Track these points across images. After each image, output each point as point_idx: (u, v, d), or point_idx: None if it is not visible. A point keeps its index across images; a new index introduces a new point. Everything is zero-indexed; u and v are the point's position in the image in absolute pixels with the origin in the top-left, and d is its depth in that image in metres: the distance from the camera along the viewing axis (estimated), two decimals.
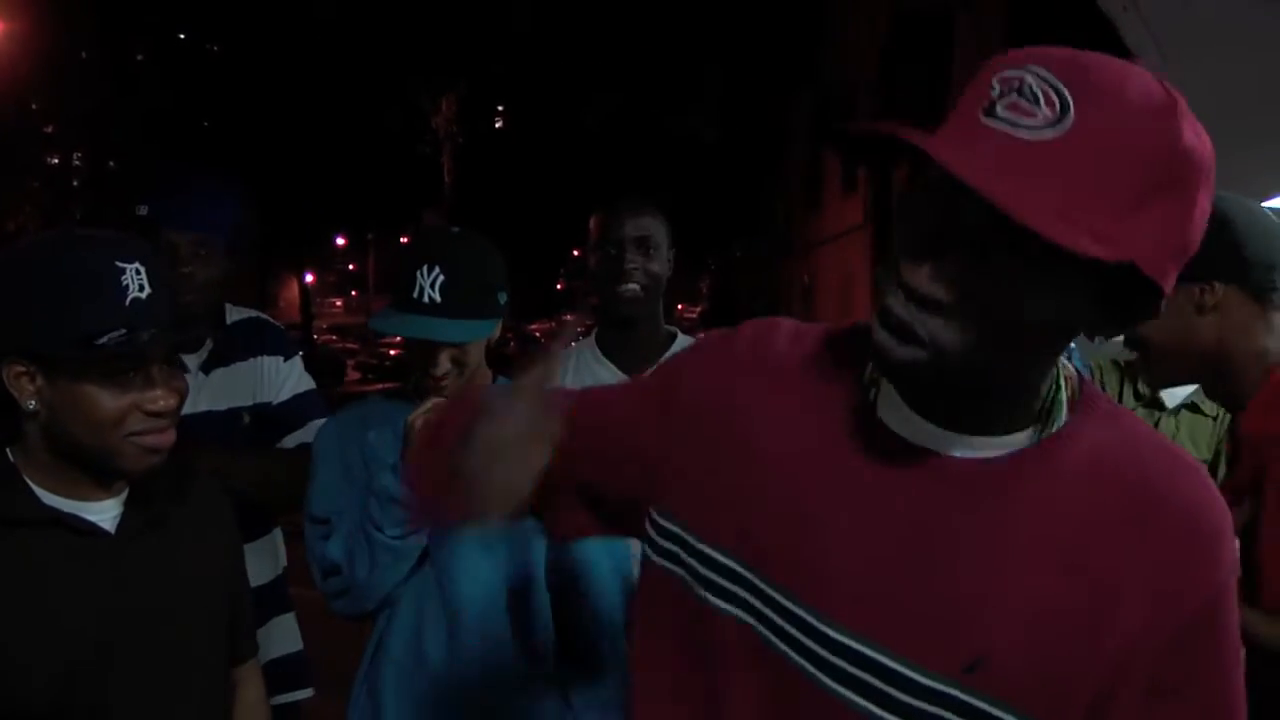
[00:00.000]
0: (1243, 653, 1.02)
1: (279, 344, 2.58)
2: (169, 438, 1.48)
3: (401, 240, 30.53)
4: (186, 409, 2.37)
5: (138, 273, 1.44)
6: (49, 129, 23.99)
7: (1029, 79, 0.87)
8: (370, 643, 2.04)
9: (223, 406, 2.42)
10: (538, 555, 1.98)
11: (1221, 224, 1.65)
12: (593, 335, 2.56)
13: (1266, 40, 3.52)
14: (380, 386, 15.30)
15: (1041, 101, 0.86)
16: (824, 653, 1.00)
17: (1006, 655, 0.95)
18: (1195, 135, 0.88)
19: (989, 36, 9.85)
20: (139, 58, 22.32)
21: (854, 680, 0.99)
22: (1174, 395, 2.92)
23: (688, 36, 20.55)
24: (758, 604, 1.04)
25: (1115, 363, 3.08)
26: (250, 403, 2.47)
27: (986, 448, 1.00)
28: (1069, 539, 0.96)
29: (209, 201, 2.35)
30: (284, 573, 2.53)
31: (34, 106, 22.33)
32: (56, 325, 1.38)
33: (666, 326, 2.54)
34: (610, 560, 1.99)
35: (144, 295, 1.43)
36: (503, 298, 1.99)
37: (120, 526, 1.49)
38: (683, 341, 2.49)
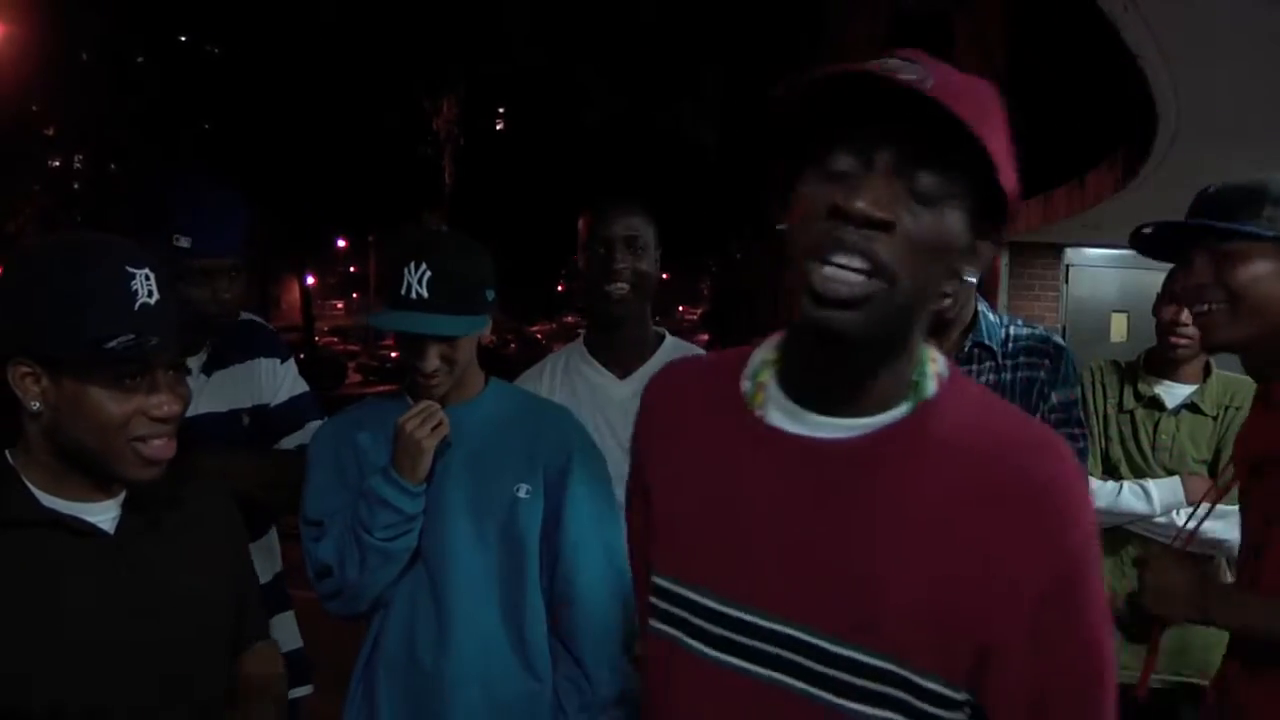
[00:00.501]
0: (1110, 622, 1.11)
1: (274, 346, 2.61)
2: (169, 449, 1.49)
3: None
4: (189, 410, 2.40)
5: (147, 278, 1.45)
6: (50, 131, 24.00)
7: (888, 61, 1.01)
8: (366, 642, 2.06)
9: (223, 408, 2.45)
10: (532, 556, 1.99)
11: None
12: (580, 337, 2.57)
13: (1268, 40, 3.51)
14: (381, 388, 15.30)
15: (905, 71, 0.99)
16: (738, 637, 1.13)
17: (896, 617, 1.06)
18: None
19: (987, 37, 9.84)
20: (140, 60, 22.32)
21: (774, 658, 1.11)
22: (1174, 396, 2.92)
23: (686, 38, 20.53)
24: (687, 615, 1.18)
25: (1115, 363, 3.09)
26: (249, 404, 2.49)
27: (861, 428, 1.10)
28: (937, 510, 1.07)
29: (237, 223, 2.39)
30: (282, 571, 2.54)
31: (35, 109, 22.35)
32: (66, 327, 1.39)
33: (655, 328, 2.54)
34: (606, 562, 2.00)
35: (152, 301, 1.45)
36: (490, 295, 2.01)
37: (119, 527, 1.50)
38: (671, 344, 2.49)
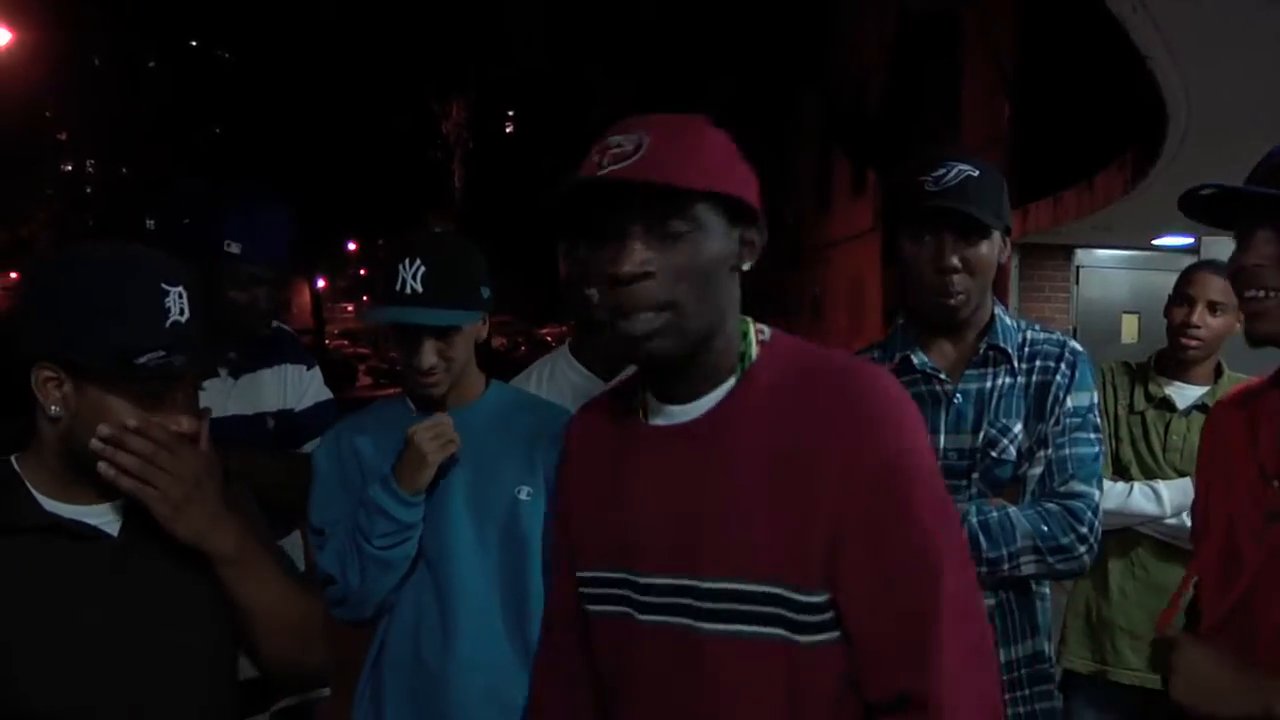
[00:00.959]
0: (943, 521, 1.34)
1: (300, 353, 2.68)
2: None
3: None
4: (218, 412, 2.43)
5: (180, 296, 1.47)
6: (62, 136, 24.09)
7: (611, 142, 1.32)
8: (373, 644, 2.07)
9: (249, 411, 2.50)
10: (534, 557, 1.99)
11: None
12: (566, 342, 2.60)
13: (1277, 40, 3.50)
14: (391, 391, 15.32)
15: (626, 144, 1.30)
16: (650, 598, 1.39)
17: (761, 545, 1.32)
18: (714, 127, 1.37)
19: (997, 37, 9.83)
20: (151, 64, 22.39)
21: (672, 607, 1.37)
22: (1185, 397, 2.92)
23: (695, 40, 20.53)
24: (614, 592, 1.44)
25: (1125, 364, 3.09)
26: (274, 409, 2.55)
27: (704, 406, 1.39)
28: (774, 444, 1.33)
29: (285, 237, 2.48)
30: (306, 573, 2.56)
31: (47, 114, 22.44)
32: (97, 337, 1.40)
33: None
34: None
35: (183, 319, 1.46)
36: (486, 293, 2.03)
37: (123, 530, 1.50)
38: None
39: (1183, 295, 2.91)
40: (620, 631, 1.43)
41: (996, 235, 2.06)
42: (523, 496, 1.99)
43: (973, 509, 1.98)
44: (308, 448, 2.50)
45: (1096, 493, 2.03)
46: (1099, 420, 2.10)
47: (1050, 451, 2.03)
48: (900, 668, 1.30)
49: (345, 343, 36.65)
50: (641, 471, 1.43)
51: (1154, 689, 2.14)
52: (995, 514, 1.97)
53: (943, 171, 2.03)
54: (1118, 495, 2.79)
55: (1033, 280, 8.80)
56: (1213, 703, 1.52)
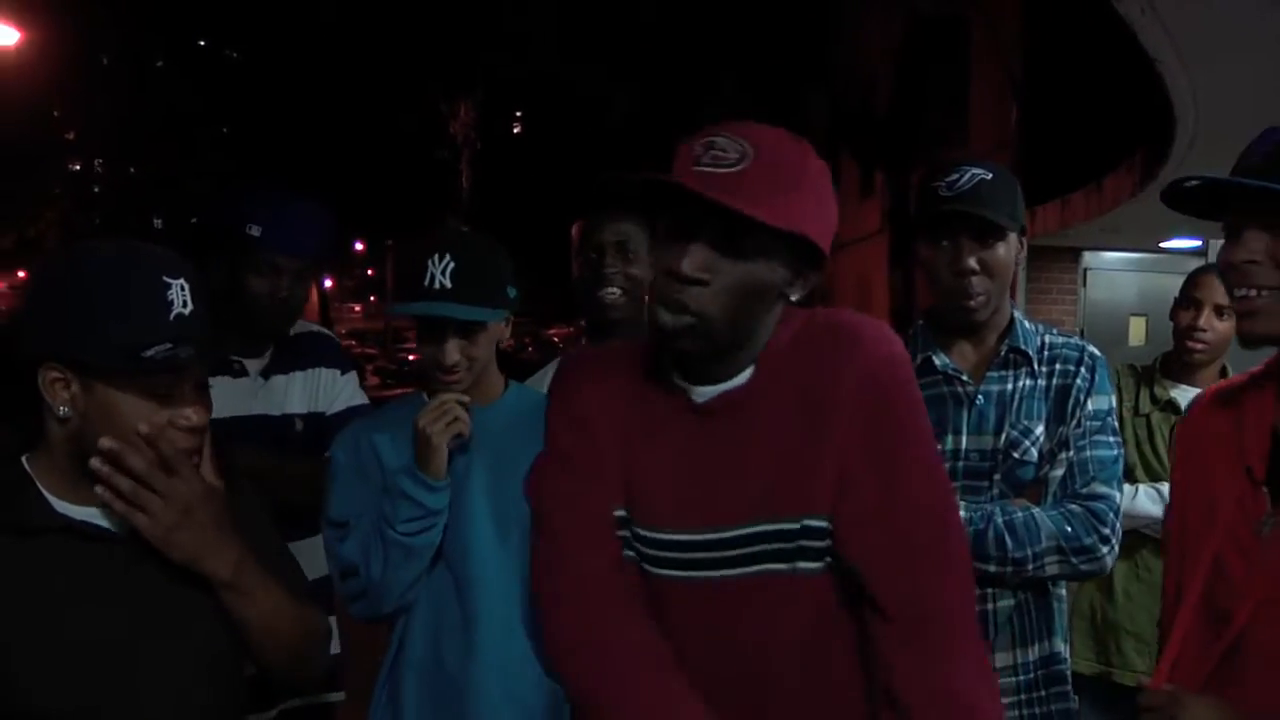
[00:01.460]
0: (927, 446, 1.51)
1: (337, 357, 2.69)
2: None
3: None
4: (242, 411, 2.44)
5: (182, 288, 1.47)
6: (70, 135, 24.12)
7: (719, 139, 1.38)
8: (390, 645, 2.06)
9: (277, 412, 2.51)
10: None
11: None
12: (581, 340, 2.60)
13: None
14: (399, 391, 15.33)
15: (730, 150, 1.37)
16: (668, 554, 1.52)
17: (780, 487, 1.46)
18: (817, 157, 1.45)
19: (1004, 39, 9.82)
20: (159, 64, 22.41)
21: (688, 562, 1.51)
22: (1190, 400, 2.91)
23: (700, 41, 20.51)
24: (643, 549, 1.55)
25: (1131, 367, 3.09)
26: (305, 411, 2.56)
27: (727, 387, 1.49)
28: (787, 409, 1.47)
29: (314, 225, 2.47)
30: (326, 577, 2.56)
31: (55, 113, 22.46)
32: (102, 335, 1.40)
33: None
34: None
35: (187, 312, 1.46)
36: (512, 293, 2.03)
37: (133, 531, 1.49)
38: None
39: (1189, 298, 2.90)
40: (651, 583, 1.55)
41: (1012, 237, 2.08)
42: None
43: (998, 509, 2.00)
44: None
45: (1118, 495, 2.06)
46: (1117, 424, 2.12)
47: (1071, 454, 2.05)
48: (912, 580, 1.45)
49: (353, 343, 36.62)
50: (669, 427, 1.53)
51: None
52: (1020, 514, 1.99)
53: (956, 176, 2.04)
54: (1123, 497, 2.79)
55: (1040, 282, 8.80)
56: None
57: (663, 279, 1.41)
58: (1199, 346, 2.88)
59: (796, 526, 1.46)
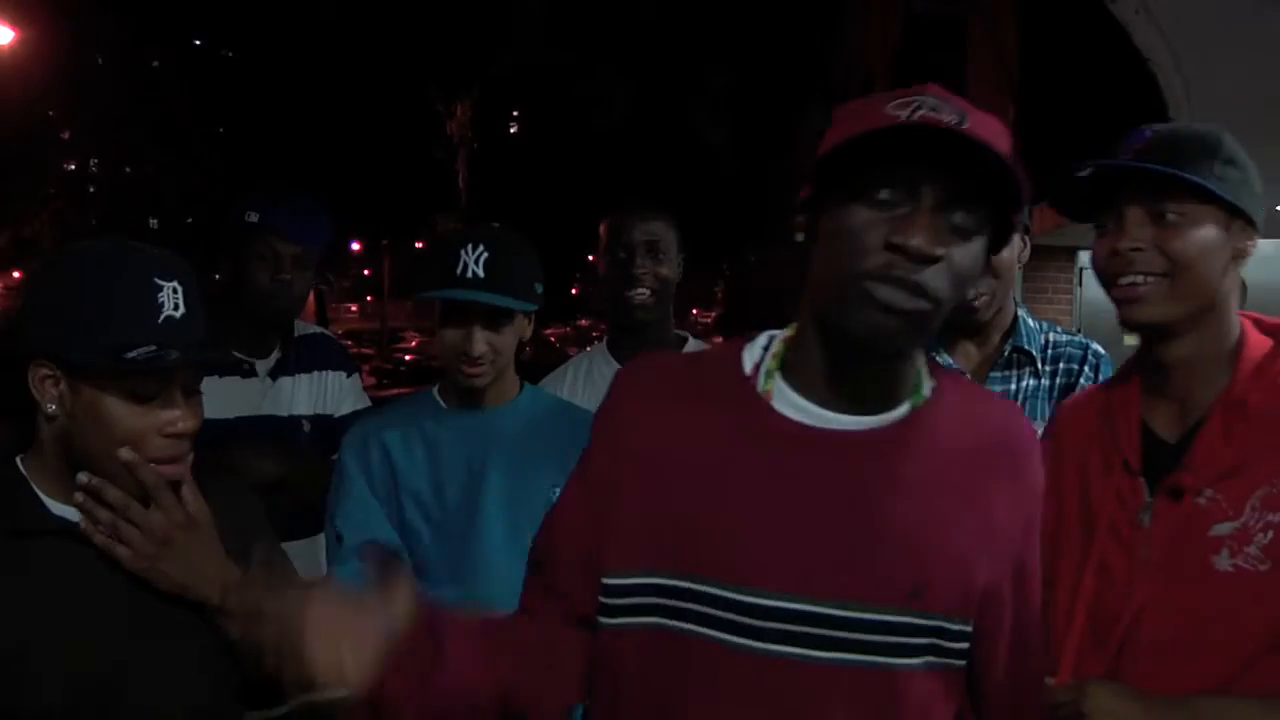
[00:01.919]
0: None
1: (343, 361, 2.73)
2: (177, 471, 1.48)
3: (417, 245, 30.68)
4: (250, 411, 2.46)
5: (175, 291, 1.46)
6: (65, 135, 24.06)
7: (926, 101, 1.13)
8: None
9: (283, 413, 2.53)
10: None
11: None
12: (604, 340, 2.58)
13: (1277, 43, 3.51)
14: (396, 391, 15.31)
15: (944, 112, 1.11)
16: (777, 625, 1.18)
17: (937, 577, 1.21)
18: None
19: (1002, 39, 9.82)
20: (155, 64, 22.37)
21: (813, 638, 1.18)
22: None
23: (697, 38, 20.52)
24: (716, 611, 1.21)
25: None
26: (312, 413, 2.58)
27: (874, 423, 1.23)
28: (953, 482, 1.23)
29: (312, 217, 2.52)
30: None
31: (50, 113, 22.40)
32: (88, 333, 1.39)
33: (677, 331, 2.54)
34: None
35: (178, 314, 1.45)
36: (539, 288, 2.04)
37: None
38: (693, 346, 2.50)
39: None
40: (678, 649, 1.23)
41: (1015, 237, 2.07)
42: (555, 495, 1.99)
43: None
44: None
45: None
46: None
47: None
48: (1018, 701, 1.33)
49: (350, 343, 36.56)
50: (771, 463, 1.22)
51: None
52: None
53: None
54: None
55: (1036, 282, 8.79)
56: None
57: (884, 255, 1.13)
58: None
59: (934, 624, 1.21)
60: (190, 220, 21.56)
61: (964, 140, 1.09)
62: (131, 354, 1.39)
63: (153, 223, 22.00)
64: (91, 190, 25.70)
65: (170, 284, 1.45)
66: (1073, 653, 1.54)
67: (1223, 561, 1.43)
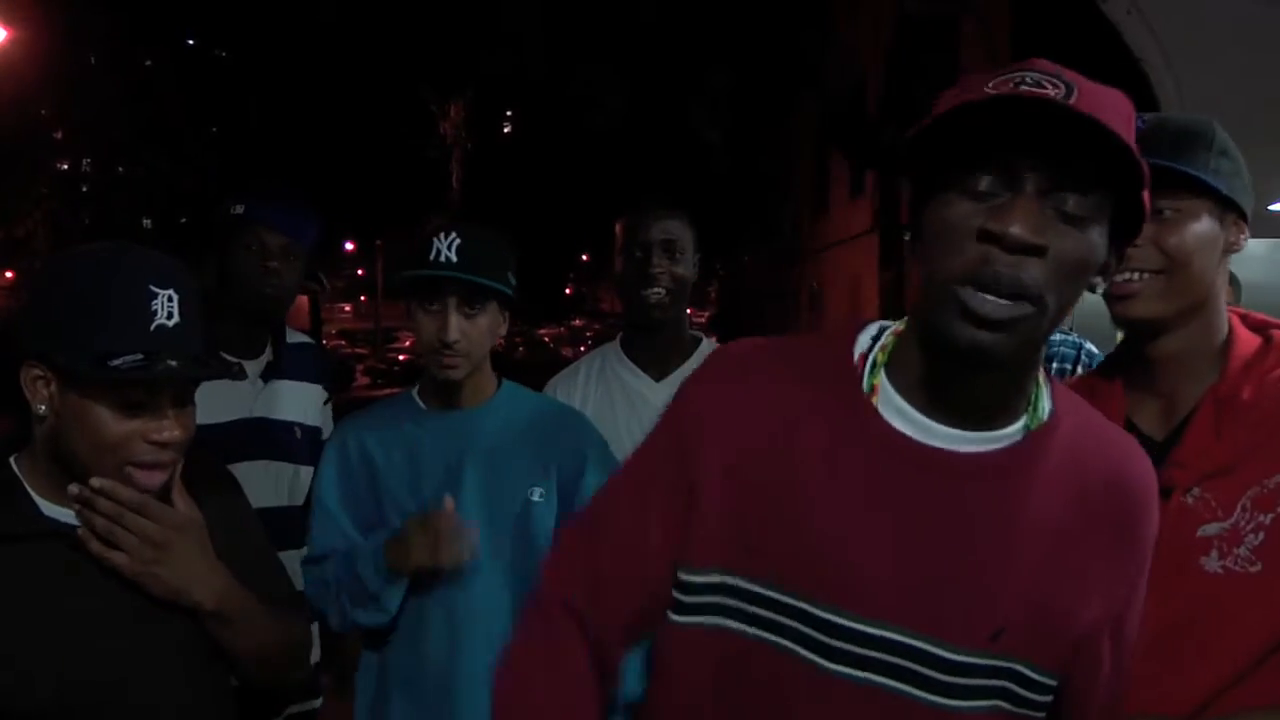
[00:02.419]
0: None
1: (321, 375, 2.70)
2: (160, 479, 1.46)
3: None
4: (243, 414, 2.44)
5: (169, 299, 1.43)
6: (58, 134, 24.04)
7: (1028, 75, 1.00)
8: (376, 646, 2.05)
9: (277, 416, 2.52)
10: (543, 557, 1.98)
11: None
12: (618, 338, 2.56)
13: (1270, 42, 3.52)
14: (389, 391, 15.30)
15: (1048, 85, 0.99)
16: (852, 647, 1.10)
17: (1021, 622, 1.09)
18: None
19: (994, 40, 9.84)
20: (147, 63, 22.36)
21: (886, 666, 1.10)
22: None
23: (692, 38, 20.55)
24: (790, 621, 1.13)
25: None
26: (303, 421, 2.57)
27: (985, 442, 1.11)
28: (1058, 522, 1.11)
29: (299, 211, 2.52)
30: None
31: (43, 112, 22.38)
32: (76, 338, 1.38)
33: (692, 332, 2.53)
34: None
35: (170, 324, 1.42)
36: (512, 279, 2.04)
37: None
38: (707, 346, 2.47)
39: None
40: (745, 655, 1.16)
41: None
42: (535, 498, 1.98)
43: None
44: None
45: None
46: None
47: None
48: None
49: (343, 343, 36.60)
50: (877, 484, 1.12)
51: None
52: None
53: None
54: None
55: None
56: None
57: (975, 249, 1.01)
58: None
59: (1013, 669, 1.11)
60: (184, 220, 21.54)
61: (1071, 115, 0.96)
62: (116, 361, 1.37)
63: (146, 223, 21.98)
64: (84, 190, 25.69)
65: (166, 292, 1.42)
66: None
67: (1212, 563, 1.40)
